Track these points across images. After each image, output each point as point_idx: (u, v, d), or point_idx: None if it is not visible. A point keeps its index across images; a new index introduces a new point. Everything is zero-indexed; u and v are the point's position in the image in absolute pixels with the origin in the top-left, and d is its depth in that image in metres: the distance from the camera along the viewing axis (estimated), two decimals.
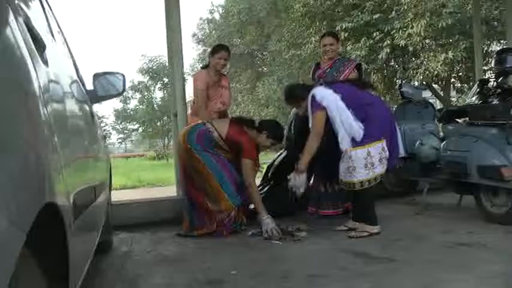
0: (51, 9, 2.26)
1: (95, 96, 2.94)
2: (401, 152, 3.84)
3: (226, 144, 3.92)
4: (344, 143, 3.60)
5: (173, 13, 4.78)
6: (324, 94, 3.66)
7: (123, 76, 3.08)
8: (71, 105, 1.69)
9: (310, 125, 3.73)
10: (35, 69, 1.05)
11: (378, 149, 3.55)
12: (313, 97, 3.68)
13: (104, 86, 3.00)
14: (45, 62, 1.21)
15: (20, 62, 0.97)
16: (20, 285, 0.88)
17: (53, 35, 1.82)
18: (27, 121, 0.96)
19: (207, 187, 3.85)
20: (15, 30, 0.97)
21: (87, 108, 2.35)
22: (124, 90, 3.13)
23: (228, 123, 3.99)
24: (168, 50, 5.05)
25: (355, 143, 3.56)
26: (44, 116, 1.06)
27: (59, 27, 2.48)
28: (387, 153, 3.58)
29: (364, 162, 3.53)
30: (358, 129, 3.55)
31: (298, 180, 3.72)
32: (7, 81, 0.86)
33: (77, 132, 1.75)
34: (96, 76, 2.97)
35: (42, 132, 1.03)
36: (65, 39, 2.67)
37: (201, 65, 4.93)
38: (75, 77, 2.42)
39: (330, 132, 3.68)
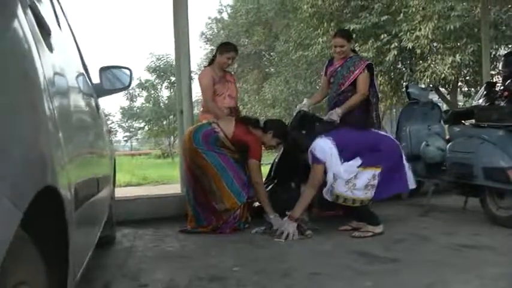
0: (59, 1, 2.27)
1: (101, 90, 2.94)
2: (410, 186, 3.78)
3: (232, 144, 3.93)
4: (327, 196, 3.61)
5: (181, 10, 4.78)
6: (322, 147, 3.60)
7: (130, 70, 3.08)
8: (75, 95, 1.69)
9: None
10: (38, 53, 1.05)
11: (368, 175, 3.53)
12: (311, 151, 3.64)
13: (110, 80, 3.01)
14: (50, 48, 1.21)
15: (23, 46, 0.97)
16: (19, 267, 0.88)
17: (59, 25, 1.82)
18: (30, 105, 0.96)
19: (213, 186, 3.86)
20: (20, 13, 0.97)
21: (92, 100, 2.35)
22: (130, 84, 3.13)
23: (234, 123, 3.99)
24: (176, 47, 5.04)
25: (352, 158, 3.58)
26: (46, 102, 1.06)
27: (67, 20, 2.49)
28: (376, 182, 3.52)
29: (347, 179, 3.51)
30: (351, 175, 3.54)
31: (290, 227, 3.61)
32: (9, 64, 0.86)
33: (81, 122, 1.75)
34: (103, 70, 2.97)
35: (44, 116, 1.03)
36: (73, 33, 2.67)
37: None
38: (81, 69, 2.42)
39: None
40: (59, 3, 2.24)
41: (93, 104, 2.41)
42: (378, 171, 3.54)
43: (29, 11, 1.08)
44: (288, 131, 4.15)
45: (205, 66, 4.90)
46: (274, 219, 3.78)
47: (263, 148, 4.12)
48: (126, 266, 3.02)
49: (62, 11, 2.33)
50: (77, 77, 1.94)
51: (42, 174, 0.95)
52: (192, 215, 4.01)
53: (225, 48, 4.51)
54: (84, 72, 2.53)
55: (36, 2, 1.18)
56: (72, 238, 1.22)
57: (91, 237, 1.94)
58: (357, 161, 3.55)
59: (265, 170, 4.84)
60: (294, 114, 4.63)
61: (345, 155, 3.58)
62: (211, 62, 4.65)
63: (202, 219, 3.94)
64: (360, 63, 4.29)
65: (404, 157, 3.78)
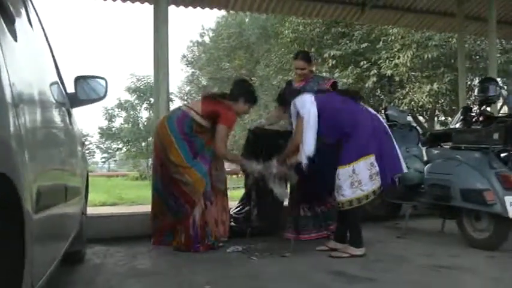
0: (35, 10, 2.21)
1: (75, 100, 2.86)
2: (404, 168, 3.66)
3: (205, 120, 3.86)
4: (301, 157, 3.57)
5: (161, 26, 4.77)
6: (304, 103, 3.63)
7: (105, 81, 3.01)
8: (41, 93, 1.61)
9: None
10: None
11: (366, 165, 3.45)
12: (294, 104, 3.68)
13: (85, 90, 2.93)
14: (14, 36, 1.14)
15: None
16: None
17: (31, 25, 1.76)
18: None
19: (181, 171, 3.77)
20: None
21: (63, 108, 2.27)
22: (106, 95, 3.05)
23: (201, 99, 3.99)
24: (155, 64, 5.00)
25: (341, 161, 3.51)
26: (6, 87, 0.99)
27: (42, 27, 2.43)
28: (377, 168, 3.46)
29: (350, 181, 3.45)
30: (309, 148, 3.51)
31: (275, 168, 3.78)
32: None
33: (47, 124, 1.67)
34: (78, 79, 2.90)
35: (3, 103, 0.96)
36: (48, 41, 2.61)
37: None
38: (55, 76, 2.36)
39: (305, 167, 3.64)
40: (34, 8, 2.18)
41: (65, 112, 2.33)
42: (372, 157, 3.46)
43: None
44: (254, 90, 4.23)
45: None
46: (250, 164, 3.90)
47: (238, 120, 4.15)
48: (94, 283, 2.89)
49: (37, 16, 2.27)
50: (50, 83, 1.88)
51: None
52: (166, 209, 3.89)
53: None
54: (58, 81, 2.46)
55: None
56: (29, 244, 1.13)
57: (54, 248, 1.82)
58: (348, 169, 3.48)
59: (238, 193, 4.78)
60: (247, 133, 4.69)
61: (325, 120, 3.56)
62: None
63: (176, 210, 3.83)
64: (324, 82, 4.27)
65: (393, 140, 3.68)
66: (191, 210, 3.79)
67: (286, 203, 4.40)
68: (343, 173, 3.49)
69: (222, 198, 4.13)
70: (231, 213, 4.41)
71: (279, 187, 3.85)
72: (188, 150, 3.80)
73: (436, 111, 15.36)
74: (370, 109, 3.79)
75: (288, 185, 4.28)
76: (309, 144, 3.53)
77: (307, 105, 3.60)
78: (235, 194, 5.26)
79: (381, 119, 3.76)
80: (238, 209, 4.59)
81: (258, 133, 4.42)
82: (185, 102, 4.40)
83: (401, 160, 3.63)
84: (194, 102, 4.01)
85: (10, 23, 1.13)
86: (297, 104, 3.65)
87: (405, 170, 3.68)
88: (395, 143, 3.65)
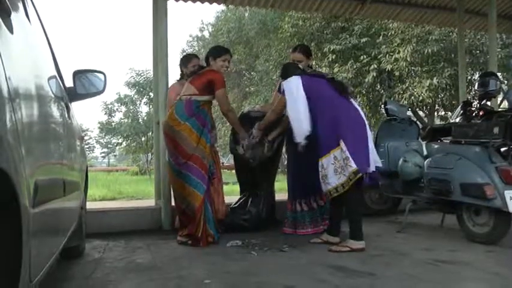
0: (33, 3, 2.19)
1: (74, 94, 2.86)
2: (372, 166, 3.63)
3: (204, 95, 3.97)
4: (297, 138, 3.60)
5: (160, 21, 4.76)
6: (289, 84, 3.71)
7: (104, 75, 3.00)
8: (40, 88, 1.59)
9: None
10: None
11: (339, 153, 3.48)
12: (282, 85, 3.83)
13: (84, 84, 2.93)
14: (10, 28, 1.12)
15: None
16: None
17: (29, 18, 1.74)
18: None
19: (195, 145, 3.87)
20: None
21: (62, 102, 2.25)
22: (104, 89, 3.04)
23: (187, 82, 4.09)
24: (154, 59, 5.00)
25: (322, 152, 3.56)
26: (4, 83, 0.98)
27: (40, 21, 2.41)
28: (347, 153, 3.45)
29: (333, 168, 3.49)
30: (301, 131, 3.57)
31: (256, 133, 4.22)
32: None
33: (45, 119, 1.66)
34: (77, 73, 2.89)
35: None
36: (47, 35, 2.59)
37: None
38: (53, 70, 2.34)
39: (302, 148, 3.63)
40: (32, 1, 2.16)
41: (64, 106, 2.32)
42: (341, 146, 3.47)
43: None
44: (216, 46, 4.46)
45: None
46: (243, 132, 4.29)
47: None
48: (93, 277, 2.89)
49: (35, 9, 2.25)
50: (48, 76, 1.86)
51: None
52: (194, 189, 3.86)
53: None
54: (57, 75, 2.45)
55: None
56: (27, 238, 1.12)
57: (53, 243, 1.82)
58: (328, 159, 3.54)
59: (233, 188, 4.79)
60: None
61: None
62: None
63: (201, 184, 3.85)
64: None
65: (370, 139, 3.68)
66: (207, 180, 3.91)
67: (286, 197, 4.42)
68: (327, 162, 3.53)
69: (217, 181, 4.21)
70: (230, 207, 4.44)
71: (252, 149, 4.27)
72: (199, 125, 3.91)
73: (436, 105, 15.32)
74: (355, 103, 3.82)
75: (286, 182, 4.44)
76: (299, 128, 3.59)
77: (293, 88, 3.67)
78: (236, 189, 5.25)
79: (361, 112, 3.78)
80: (239, 203, 4.59)
81: (252, 116, 4.48)
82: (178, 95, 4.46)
83: (372, 158, 3.64)
84: (185, 89, 4.03)
85: (6, 15, 1.11)
86: (284, 84, 3.77)
87: (379, 164, 3.77)
88: (369, 140, 3.67)
